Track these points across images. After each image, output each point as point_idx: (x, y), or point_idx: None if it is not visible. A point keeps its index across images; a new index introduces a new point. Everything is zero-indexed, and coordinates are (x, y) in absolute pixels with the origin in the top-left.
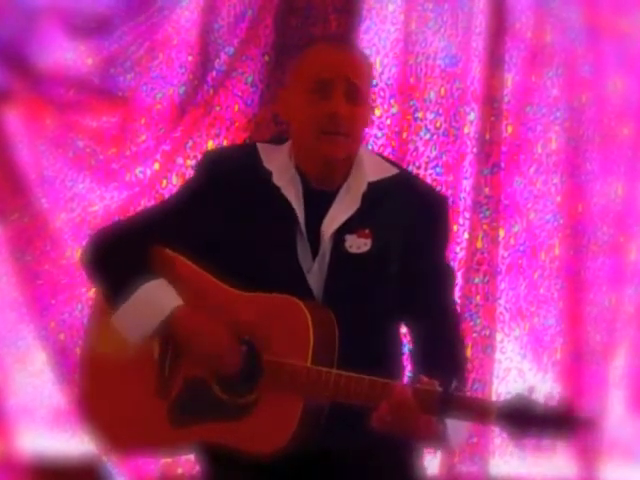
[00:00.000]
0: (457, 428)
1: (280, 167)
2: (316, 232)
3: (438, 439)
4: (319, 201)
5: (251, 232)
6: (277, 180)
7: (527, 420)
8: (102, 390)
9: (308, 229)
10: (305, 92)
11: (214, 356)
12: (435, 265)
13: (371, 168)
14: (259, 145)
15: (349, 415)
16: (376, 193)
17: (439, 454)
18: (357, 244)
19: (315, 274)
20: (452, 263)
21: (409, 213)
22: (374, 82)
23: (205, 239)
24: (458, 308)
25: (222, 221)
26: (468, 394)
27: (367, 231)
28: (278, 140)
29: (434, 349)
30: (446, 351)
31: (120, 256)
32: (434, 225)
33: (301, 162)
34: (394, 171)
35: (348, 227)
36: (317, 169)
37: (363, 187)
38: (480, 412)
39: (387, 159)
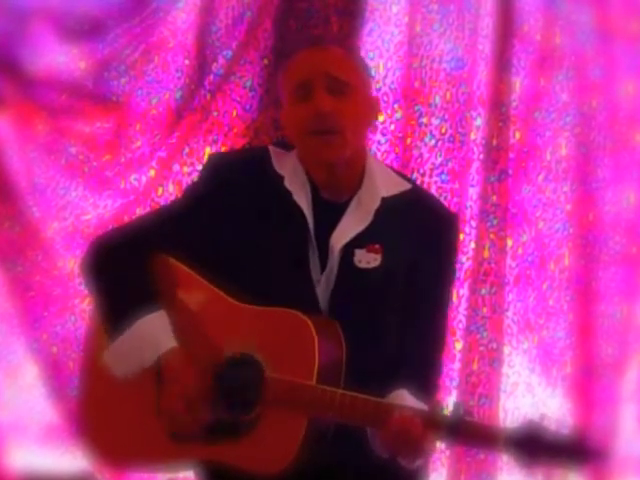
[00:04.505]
0: None
1: (291, 172)
2: (324, 244)
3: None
4: (329, 212)
5: (261, 238)
6: (289, 184)
7: (536, 449)
8: (101, 402)
9: (317, 240)
10: (291, 100)
11: (174, 408)
12: (433, 288)
13: (384, 183)
14: (271, 148)
15: (352, 431)
16: (388, 209)
17: (445, 470)
18: (366, 259)
19: (322, 286)
20: (457, 277)
21: (418, 231)
22: (378, 85)
23: (210, 246)
24: (445, 335)
25: (228, 227)
26: (477, 420)
27: (377, 246)
28: (286, 145)
29: (406, 370)
30: (416, 376)
31: (119, 269)
32: (441, 246)
33: (307, 169)
34: (407, 186)
35: (358, 241)
36: (321, 175)
37: (376, 203)
38: (488, 439)
39: (398, 172)
